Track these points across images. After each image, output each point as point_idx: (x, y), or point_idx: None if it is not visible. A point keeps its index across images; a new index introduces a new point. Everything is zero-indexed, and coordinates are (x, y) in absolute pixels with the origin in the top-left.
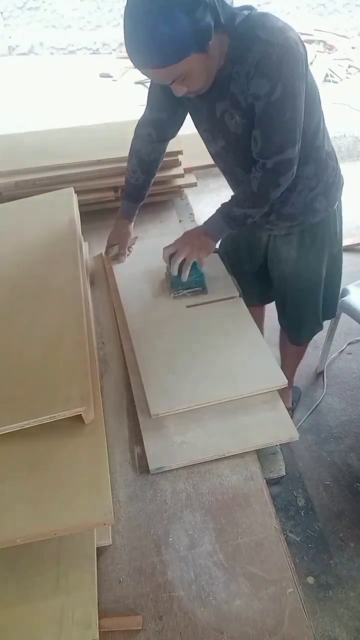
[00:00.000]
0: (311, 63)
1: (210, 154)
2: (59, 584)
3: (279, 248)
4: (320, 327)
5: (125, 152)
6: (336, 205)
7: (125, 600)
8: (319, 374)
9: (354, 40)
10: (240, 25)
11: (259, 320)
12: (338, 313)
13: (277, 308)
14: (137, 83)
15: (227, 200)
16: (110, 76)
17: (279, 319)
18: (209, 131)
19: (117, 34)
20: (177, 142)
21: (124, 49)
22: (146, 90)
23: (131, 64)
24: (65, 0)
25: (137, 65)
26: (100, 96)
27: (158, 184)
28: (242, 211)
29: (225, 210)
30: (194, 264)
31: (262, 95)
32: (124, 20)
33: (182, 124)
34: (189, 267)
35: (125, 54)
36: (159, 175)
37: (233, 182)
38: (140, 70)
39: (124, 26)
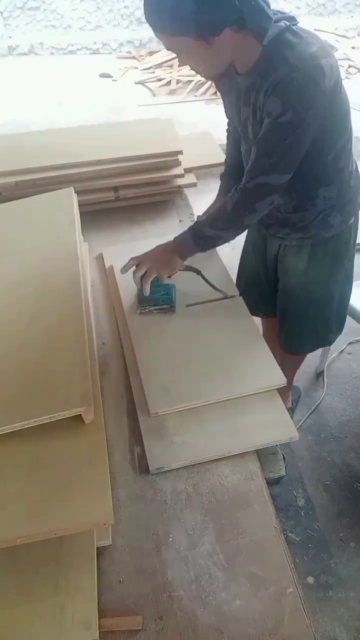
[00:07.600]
0: None
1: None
2: (59, 584)
3: (288, 258)
4: (326, 343)
5: (125, 152)
6: (352, 220)
7: (125, 600)
8: (319, 374)
9: (354, 40)
10: (275, 39)
11: (272, 332)
12: None
13: (277, 317)
14: (137, 83)
15: (201, 218)
16: (110, 76)
17: (278, 328)
18: (238, 131)
19: (117, 34)
20: (177, 142)
21: (124, 48)
22: (146, 90)
23: (131, 64)
24: (65, 0)
25: (149, 23)
26: (100, 96)
27: (158, 184)
28: (214, 232)
29: (196, 228)
30: (157, 280)
31: (272, 115)
32: None
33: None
34: (148, 282)
35: (126, 54)
36: (158, 175)
37: None
38: (153, 30)
39: None
